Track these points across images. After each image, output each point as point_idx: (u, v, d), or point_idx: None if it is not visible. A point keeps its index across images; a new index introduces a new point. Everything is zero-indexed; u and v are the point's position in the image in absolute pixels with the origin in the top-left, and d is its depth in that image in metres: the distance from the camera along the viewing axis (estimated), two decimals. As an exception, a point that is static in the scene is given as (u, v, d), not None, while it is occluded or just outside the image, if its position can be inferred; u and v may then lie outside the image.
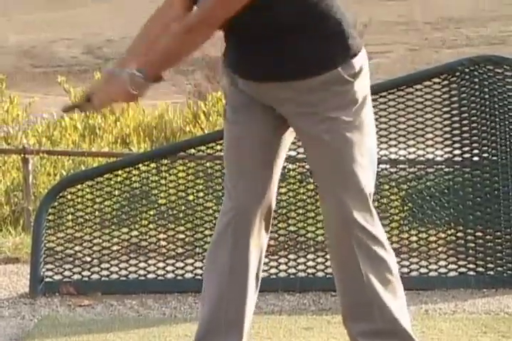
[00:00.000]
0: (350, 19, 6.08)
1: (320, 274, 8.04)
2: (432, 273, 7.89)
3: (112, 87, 5.84)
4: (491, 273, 7.97)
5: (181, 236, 8.48)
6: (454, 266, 8.02)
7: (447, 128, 8.17)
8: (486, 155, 8.18)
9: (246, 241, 6.08)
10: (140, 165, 8.97)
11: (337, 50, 5.83)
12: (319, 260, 8.19)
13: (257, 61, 5.88)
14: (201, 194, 8.84)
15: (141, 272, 8.31)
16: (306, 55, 5.81)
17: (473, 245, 8.13)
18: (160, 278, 8.22)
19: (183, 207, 8.80)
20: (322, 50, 5.82)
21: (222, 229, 6.09)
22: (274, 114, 6.00)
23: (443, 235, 8.14)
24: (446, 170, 8.35)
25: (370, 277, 6.07)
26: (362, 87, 5.93)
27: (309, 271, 7.64)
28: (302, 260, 7.80)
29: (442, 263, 7.98)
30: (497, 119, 8.10)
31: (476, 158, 8.20)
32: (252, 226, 6.10)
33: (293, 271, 7.96)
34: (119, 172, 8.94)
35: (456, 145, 8.21)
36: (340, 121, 5.82)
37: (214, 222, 7.98)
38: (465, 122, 8.14)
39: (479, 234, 8.13)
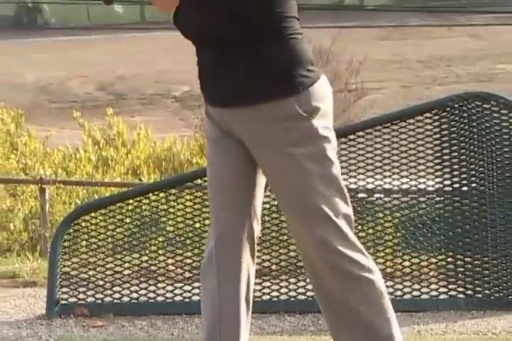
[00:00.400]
0: (308, 56, 6.08)
1: (319, 297, 8.50)
2: (423, 296, 8.04)
3: None
4: (479, 295, 8.12)
5: (189, 261, 8.63)
6: (444, 289, 8.17)
7: (438, 160, 8.33)
8: (474, 185, 8.35)
9: (230, 267, 6.16)
10: (150, 194, 9.16)
11: (285, 84, 5.86)
12: (318, 284, 8.68)
13: (215, 85, 6.04)
14: (207, 222, 8.83)
15: (151, 295, 8.51)
16: (257, 81, 5.84)
17: (462, 269, 8.29)
18: (168, 300, 8.42)
19: (190, 234, 8.98)
20: (271, 79, 5.83)
21: (207, 256, 6.22)
22: (245, 150, 6.09)
23: (434, 260, 8.28)
24: (437, 199, 8.54)
25: (348, 298, 6.10)
26: (322, 125, 5.89)
27: (308, 293, 7.68)
28: (302, 283, 7.87)
29: (433, 286, 8.13)
30: (484, 152, 8.23)
31: (465, 188, 8.36)
32: (234, 253, 6.17)
33: (293, 293, 8.09)
34: (131, 201, 9.16)
35: (446, 175, 8.39)
36: (298, 155, 5.93)
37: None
38: (455, 154, 8.30)
39: (468, 259, 8.27)
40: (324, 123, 5.91)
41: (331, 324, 6.23)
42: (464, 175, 8.38)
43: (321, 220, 5.91)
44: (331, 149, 5.93)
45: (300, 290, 8.00)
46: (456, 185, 8.43)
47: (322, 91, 5.96)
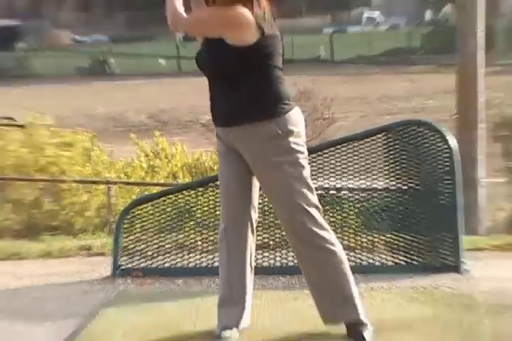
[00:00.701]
0: (286, 94, 6.35)
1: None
2: (376, 263, 8.11)
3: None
4: (414, 262, 8.14)
5: (211, 238, 8.61)
6: (390, 258, 8.23)
7: (386, 167, 8.39)
8: (411, 185, 8.36)
9: (236, 243, 6.52)
10: (184, 191, 9.18)
11: (269, 110, 6.19)
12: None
13: (219, 110, 6.40)
14: (223, 211, 9.31)
15: (185, 262, 8.57)
16: (245, 109, 6.21)
17: (402, 244, 8.29)
18: (197, 266, 8.46)
19: (212, 219, 8.92)
20: (256, 108, 6.19)
21: (219, 235, 6.63)
22: (244, 159, 6.43)
23: (383, 237, 8.37)
24: (385, 195, 8.62)
25: (317, 263, 6.38)
26: (295, 142, 6.24)
27: (295, 261, 7.36)
28: (290, 254, 7.76)
29: (383, 256, 8.20)
30: (418, 161, 8.30)
31: (404, 187, 8.38)
32: (238, 233, 6.56)
33: (285, 261, 8.14)
34: (170, 196, 9.14)
35: (392, 179, 8.44)
36: (280, 162, 6.20)
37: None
38: (397, 163, 8.33)
39: (407, 237, 8.27)
40: (297, 141, 6.27)
41: (307, 283, 6.55)
42: (403, 178, 8.38)
43: (298, 209, 6.30)
44: (303, 159, 6.32)
45: (289, 259, 8.01)
46: (399, 185, 8.44)
47: (295, 118, 6.28)
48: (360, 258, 8.09)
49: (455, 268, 8.05)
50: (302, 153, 6.35)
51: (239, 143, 6.39)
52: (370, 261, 8.26)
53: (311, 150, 7.21)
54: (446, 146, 8.21)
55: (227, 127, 6.41)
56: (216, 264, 8.03)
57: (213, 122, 6.59)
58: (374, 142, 8.51)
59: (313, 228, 6.34)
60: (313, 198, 6.41)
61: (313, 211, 6.35)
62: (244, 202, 6.63)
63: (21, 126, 15.56)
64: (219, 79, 6.41)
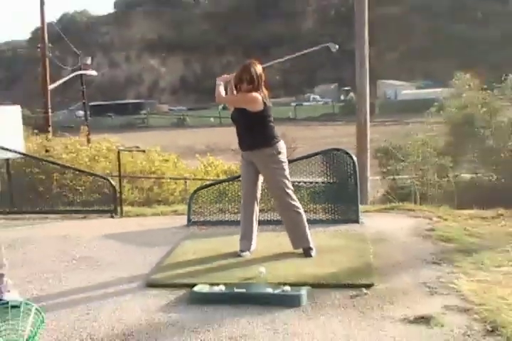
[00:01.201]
0: (276, 134, 6.79)
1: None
2: (318, 218, 8.36)
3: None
4: (336, 218, 8.52)
5: (236, 206, 8.86)
6: (325, 216, 8.58)
7: (322, 171, 8.73)
8: (334, 180, 8.78)
9: (248, 208, 6.86)
10: (223, 183, 9.72)
11: (269, 142, 6.70)
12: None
13: (243, 142, 6.81)
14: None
15: (224, 218, 8.89)
16: (257, 142, 6.69)
17: (330, 209, 8.69)
18: (230, 220, 8.67)
19: (236, 197, 9.03)
20: (262, 141, 6.67)
21: (241, 206, 6.98)
22: (255, 166, 6.78)
23: (321, 206, 8.73)
24: (322, 185, 8.92)
25: (289, 218, 6.80)
26: (282, 157, 6.69)
27: (278, 217, 7.53)
28: (276, 214, 7.94)
29: (321, 215, 8.56)
30: (337, 168, 8.71)
31: (331, 181, 8.80)
32: (250, 203, 6.88)
33: (273, 218, 8.32)
34: (216, 185, 9.58)
35: (325, 177, 8.82)
36: (273, 167, 6.68)
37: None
38: (327, 169, 8.74)
39: (332, 206, 8.69)
40: (282, 157, 6.69)
41: (285, 228, 6.93)
42: (330, 176, 8.78)
43: (282, 191, 6.70)
44: (285, 166, 6.74)
45: (275, 216, 8.13)
46: (328, 180, 8.85)
47: (281, 146, 6.70)
48: (310, 216, 7.96)
49: (356, 221, 8.35)
50: (285, 163, 6.71)
51: (254, 159, 6.75)
52: (315, 217, 8.39)
53: (288, 162, 7.12)
54: (351, 160, 8.49)
55: (248, 151, 6.77)
56: (233, 219, 8.56)
57: (240, 148, 6.93)
58: (316, 159, 8.84)
59: (289, 200, 6.70)
60: (290, 185, 6.71)
61: (289, 191, 6.69)
62: (253, 189, 6.88)
63: (143, 151, 16.35)
64: (242, 127, 6.79)
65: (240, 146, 6.94)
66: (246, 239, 6.88)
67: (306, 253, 6.71)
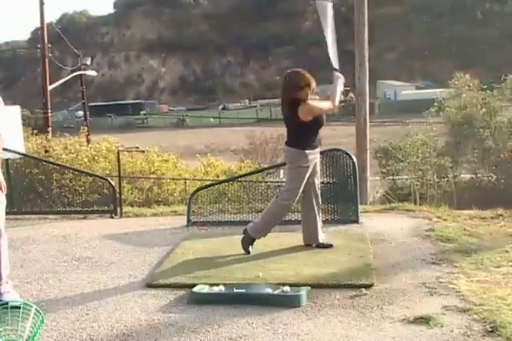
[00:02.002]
0: (314, 139, 6.74)
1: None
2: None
3: None
4: (336, 218, 8.44)
5: (236, 206, 9.04)
6: (326, 216, 8.26)
7: (324, 171, 8.40)
8: (335, 180, 8.66)
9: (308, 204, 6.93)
10: (222, 183, 9.67)
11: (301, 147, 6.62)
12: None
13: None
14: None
15: (223, 218, 8.80)
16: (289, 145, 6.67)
17: (331, 209, 8.59)
18: (229, 220, 8.66)
19: (235, 198, 9.37)
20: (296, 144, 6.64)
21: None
22: None
23: (322, 206, 7.76)
24: (325, 185, 8.30)
25: (270, 210, 6.86)
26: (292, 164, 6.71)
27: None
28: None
29: (322, 216, 7.65)
30: (338, 168, 8.66)
31: (332, 181, 8.67)
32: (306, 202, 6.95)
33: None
34: (215, 185, 9.60)
35: (326, 177, 8.61)
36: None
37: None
38: (328, 169, 8.59)
39: (333, 205, 8.59)
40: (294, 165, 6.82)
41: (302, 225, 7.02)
42: (331, 177, 8.67)
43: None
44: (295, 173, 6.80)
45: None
46: (329, 180, 8.68)
47: (309, 151, 6.75)
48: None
49: (356, 221, 8.33)
50: (294, 171, 6.83)
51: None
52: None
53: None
54: (351, 161, 8.47)
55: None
56: (233, 219, 8.63)
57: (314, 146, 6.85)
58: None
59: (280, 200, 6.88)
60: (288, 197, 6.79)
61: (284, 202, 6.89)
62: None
63: (142, 151, 16.41)
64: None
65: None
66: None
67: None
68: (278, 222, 6.95)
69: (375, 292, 5.47)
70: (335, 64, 6.86)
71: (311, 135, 6.72)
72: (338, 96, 6.76)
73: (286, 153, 6.84)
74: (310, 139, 6.70)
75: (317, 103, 6.62)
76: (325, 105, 6.69)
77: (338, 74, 6.89)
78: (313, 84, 6.57)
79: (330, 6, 7.05)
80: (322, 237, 6.97)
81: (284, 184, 7.01)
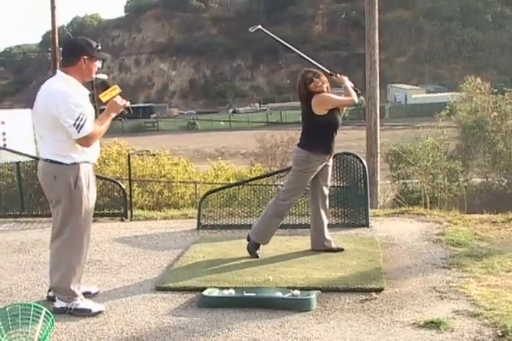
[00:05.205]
0: (326, 142, 6.70)
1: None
2: (331, 222, 7.54)
3: None
4: (346, 222, 8.42)
5: (246, 210, 9.03)
6: (336, 220, 8.41)
7: (335, 175, 8.21)
8: (345, 184, 8.68)
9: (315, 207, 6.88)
10: (232, 187, 9.61)
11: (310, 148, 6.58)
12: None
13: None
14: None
15: (233, 222, 8.80)
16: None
17: (341, 213, 8.61)
18: (238, 224, 8.65)
19: (246, 202, 9.30)
20: (306, 145, 6.62)
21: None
22: None
23: (330, 210, 7.92)
24: (335, 188, 8.39)
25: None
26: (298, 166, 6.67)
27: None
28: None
29: (330, 219, 8.00)
30: (349, 172, 8.62)
31: (342, 185, 8.70)
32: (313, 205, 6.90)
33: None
34: (225, 189, 9.49)
35: (337, 180, 8.50)
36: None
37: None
38: (340, 173, 8.58)
39: (343, 209, 8.59)
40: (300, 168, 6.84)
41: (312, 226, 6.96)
42: (342, 180, 8.66)
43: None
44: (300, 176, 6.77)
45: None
46: (340, 184, 8.68)
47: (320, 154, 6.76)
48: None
49: (366, 225, 8.30)
50: (300, 173, 6.81)
51: None
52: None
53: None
54: (361, 165, 8.43)
55: None
56: (243, 222, 8.63)
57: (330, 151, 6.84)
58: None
59: (278, 201, 6.90)
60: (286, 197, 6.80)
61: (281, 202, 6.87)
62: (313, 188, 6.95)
63: (153, 155, 16.47)
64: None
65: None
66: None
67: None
68: (278, 224, 6.93)
69: (385, 296, 5.47)
70: (326, 69, 6.90)
71: (323, 136, 6.72)
72: (352, 91, 6.82)
73: (295, 153, 6.82)
74: (321, 141, 6.70)
75: (332, 95, 6.67)
76: (342, 97, 6.78)
77: (337, 75, 6.93)
78: (324, 77, 6.67)
79: (260, 26, 7.24)
80: (331, 242, 6.91)
81: (284, 183, 6.99)
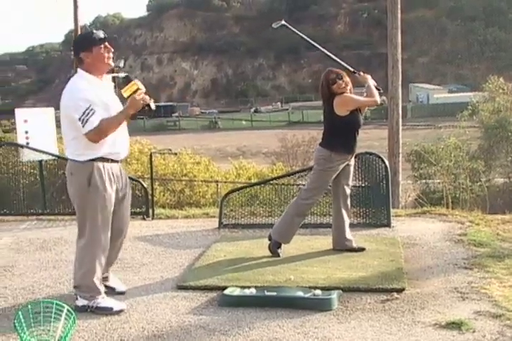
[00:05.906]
0: (348, 142, 6.69)
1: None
2: (353, 222, 7.49)
3: None
4: (368, 222, 8.41)
5: (268, 209, 9.02)
6: (357, 220, 8.35)
7: (357, 174, 8.08)
8: (367, 183, 8.64)
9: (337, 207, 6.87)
10: (254, 186, 9.67)
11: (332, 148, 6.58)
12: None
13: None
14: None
15: (254, 221, 8.83)
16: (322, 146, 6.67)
17: (363, 213, 8.57)
18: (259, 223, 8.68)
19: (267, 201, 9.28)
20: (327, 144, 6.64)
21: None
22: None
23: (352, 210, 7.85)
24: (356, 188, 8.17)
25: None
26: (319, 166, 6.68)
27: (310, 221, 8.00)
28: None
29: (352, 218, 7.90)
30: (371, 172, 8.56)
31: (364, 184, 8.65)
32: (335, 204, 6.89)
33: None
34: (247, 188, 9.48)
35: (360, 180, 8.47)
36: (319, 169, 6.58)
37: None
38: (362, 172, 8.54)
39: (365, 209, 8.56)
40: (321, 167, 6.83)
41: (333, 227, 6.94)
42: (365, 180, 8.61)
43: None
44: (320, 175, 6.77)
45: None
46: (362, 184, 8.64)
47: (341, 154, 6.78)
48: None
49: (388, 224, 8.28)
50: (321, 172, 6.82)
51: None
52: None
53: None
54: (383, 165, 8.41)
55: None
56: (264, 222, 8.65)
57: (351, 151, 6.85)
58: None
59: (300, 200, 6.88)
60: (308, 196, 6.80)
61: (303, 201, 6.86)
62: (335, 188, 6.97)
63: (175, 154, 16.54)
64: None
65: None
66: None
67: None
68: (300, 223, 6.94)
69: (407, 296, 5.45)
70: (349, 67, 6.85)
71: (344, 136, 6.70)
72: (375, 90, 6.76)
73: (316, 152, 6.83)
74: (343, 141, 6.69)
75: (354, 96, 6.64)
76: (365, 98, 6.73)
77: (360, 73, 6.90)
78: (347, 78, 6.64)
79: (284, 22, 7.20)
80: (353, 241, 6.90)
81: (306, 183, 6.98)
